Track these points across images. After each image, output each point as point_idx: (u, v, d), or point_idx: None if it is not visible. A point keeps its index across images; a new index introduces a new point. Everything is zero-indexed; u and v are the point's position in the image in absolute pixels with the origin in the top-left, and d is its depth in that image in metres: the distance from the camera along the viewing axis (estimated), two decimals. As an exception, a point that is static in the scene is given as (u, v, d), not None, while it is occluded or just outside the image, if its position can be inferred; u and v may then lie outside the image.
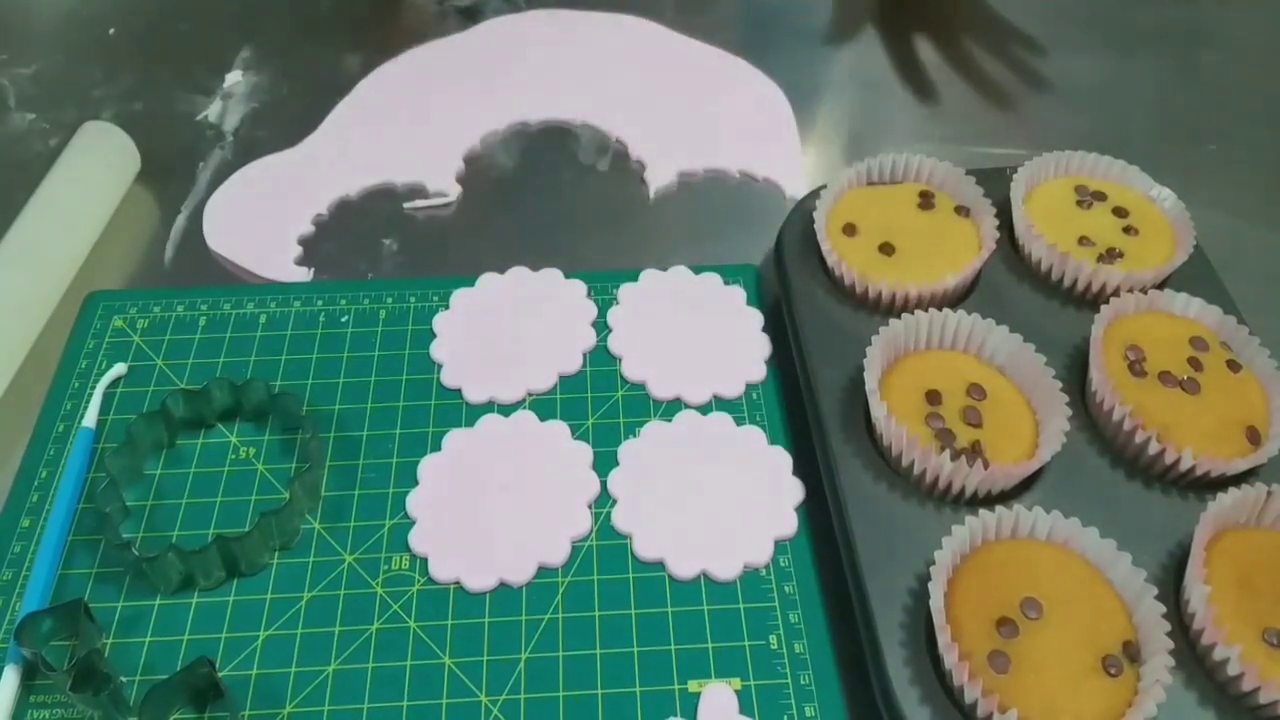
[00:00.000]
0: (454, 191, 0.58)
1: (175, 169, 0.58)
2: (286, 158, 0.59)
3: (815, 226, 0.48)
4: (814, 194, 0.50)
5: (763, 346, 0.50)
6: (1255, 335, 0.44)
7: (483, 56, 0.66)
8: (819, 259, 0.49)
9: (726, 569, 0.42)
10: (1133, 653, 0.36)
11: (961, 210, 0.50)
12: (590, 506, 0.44)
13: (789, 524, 0.43)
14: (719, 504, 0.44)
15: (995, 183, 0.50)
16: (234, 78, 0.64)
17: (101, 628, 0.40)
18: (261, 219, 0.56)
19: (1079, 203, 0.50)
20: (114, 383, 0.48)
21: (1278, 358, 0.43)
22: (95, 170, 0.55)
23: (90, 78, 0.64)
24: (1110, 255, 0.48)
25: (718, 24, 0.68)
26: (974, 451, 0.40)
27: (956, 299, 0.48)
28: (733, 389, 0.48)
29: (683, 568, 0.42)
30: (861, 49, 0.68)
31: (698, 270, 0.53)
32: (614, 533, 0.43)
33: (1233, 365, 0.43)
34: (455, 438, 0.46)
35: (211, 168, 0.59)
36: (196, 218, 0.56)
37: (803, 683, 0.39)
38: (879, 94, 0.65)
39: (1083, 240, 0.48)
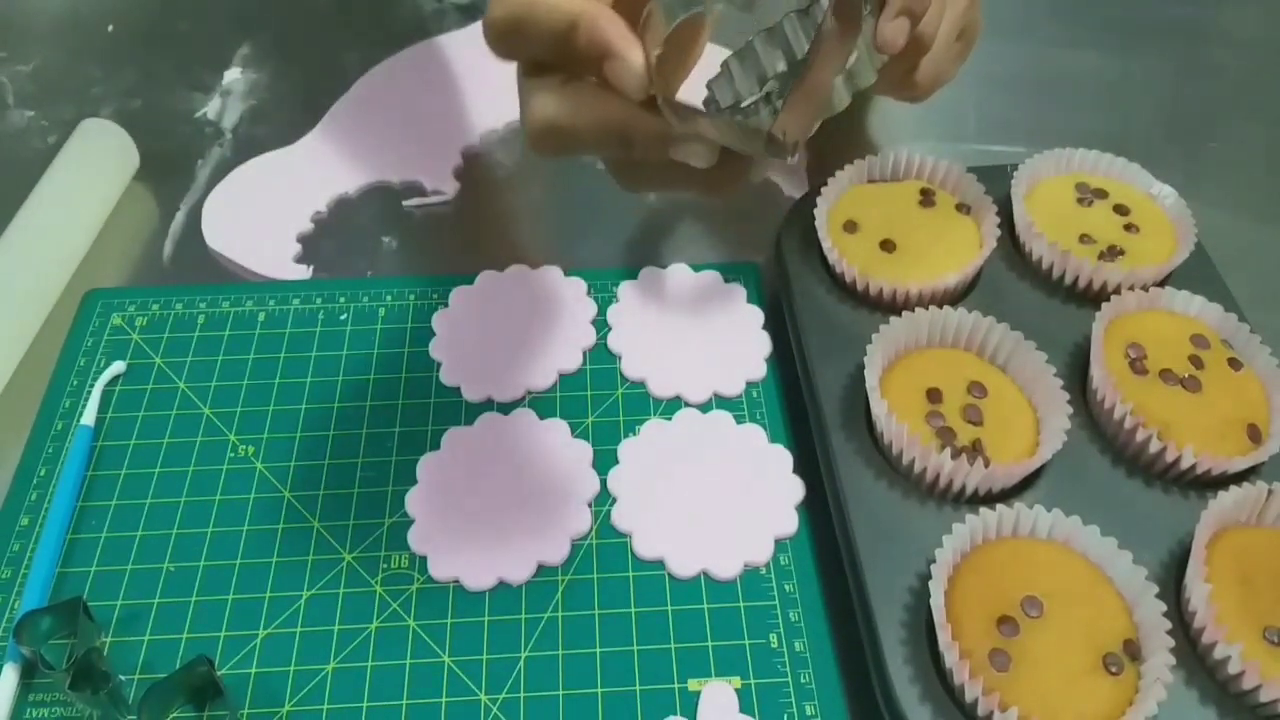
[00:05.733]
0: (453, 189, 0.57)
1: (174, 166, 0.58)
2: (285, 155, 0.59)
3: (816, 224, 0.48)
4: (814, 191, 0.50)
5: (763, 344, 0.50)
6: (1256, 333, 0.44)
7: (482, 54, 0.65)
8: (820, 256, 0.48)
9: (726, 567, 0.42)
10: (1133, 651, 0.36)
11: (962, 208, 0.49)
12: (590, 505, 0.44)
13: (789, 522, 0.43)
14: (719, 502, 0.44)
15: (996, 180, 0.50)
16: (233, 75, 0.64)
17: (100, 626, 0.40)
18: (260, 217, 0.56)
19: (1080, 200, 0.50)
20: (113, 380, 0.48)
21: (1279, 356, 0.43)
22: (94, 168, 0.55)
23: (89, 75, 0.64)
24: (1111, 253, 0.48)
25: (716, 22, 0.68)
26: (974, 450, 0.40)
27: (957, 296, 0.48)
28: (733, 387, 0.48)
29: (683, 566, 0.42)
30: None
31: (698, 268, 0.53)
32: (614, 531, 0.43)
33: (1234, 363, 0.43)
34: (454, 436, 0.46)
35: (210, 165, 0.59)
36: (195, 215, 0.56)
37: (803, 681, 0.39)
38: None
39: (1084, 238, 0.48)
